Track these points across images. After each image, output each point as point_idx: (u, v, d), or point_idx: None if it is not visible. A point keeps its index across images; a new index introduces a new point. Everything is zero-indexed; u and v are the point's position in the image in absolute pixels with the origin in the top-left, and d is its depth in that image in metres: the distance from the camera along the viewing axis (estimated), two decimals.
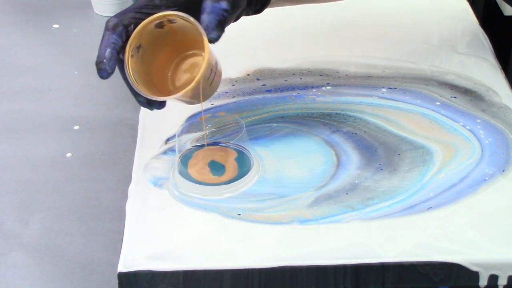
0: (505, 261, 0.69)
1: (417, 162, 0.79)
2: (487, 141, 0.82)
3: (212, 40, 0.70)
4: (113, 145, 1.01)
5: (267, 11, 1.03)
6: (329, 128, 0.84)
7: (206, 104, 0.88)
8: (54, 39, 1.24)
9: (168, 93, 0.73)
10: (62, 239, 0.88)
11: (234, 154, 0.79)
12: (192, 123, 0.85)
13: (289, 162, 0.80)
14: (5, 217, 0.91)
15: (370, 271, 0.69)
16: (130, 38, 0.72)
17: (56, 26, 1.28)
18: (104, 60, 0.70)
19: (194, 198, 0.75)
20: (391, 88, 0.91)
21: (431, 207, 0.74)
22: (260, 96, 0.90)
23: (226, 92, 0.90)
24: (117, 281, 0.69)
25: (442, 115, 0.86)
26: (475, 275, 0.69)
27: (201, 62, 0.71)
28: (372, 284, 0.70)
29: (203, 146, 0.81)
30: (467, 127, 0.84)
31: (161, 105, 0.75)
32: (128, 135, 1.01)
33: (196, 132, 0.83)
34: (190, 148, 0.80)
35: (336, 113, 0.87)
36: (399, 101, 0.88)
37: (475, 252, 0.69)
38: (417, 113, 0.86)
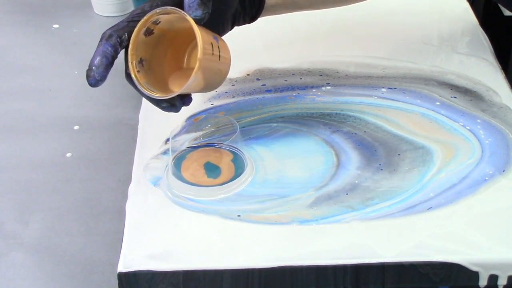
0: (505, 261, 0.69)
1: (417, 162, 0.79)
2: (487, 141, 0.82)
3: (197, 19, 0.70)
4: (113, 145, 1.01)
5: None
6: (329, 128, 0.84)
7: (206, 104, 0.88)
8: (54, 39, 1.24)
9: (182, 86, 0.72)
10: (62, 239, 0.88)
11: (229, 156, 0.79)
12: (186, 124, 0.85)
13: (289, 162, 0.80)
14: (5, 217, 0.91)
15: (370, 271, 0.69)
16: (128, 56, 0.72)
17: (56, 26, 1.28)
18: (93, 67, 0.70)
19: (187, 201, 0.75)
20: (391, 88, 0.91)
21: (431, 207, 0.74)
22: (260, 96, 0.90)
23: (226, 92, 0.90)
24: (117, 281, 0.69)
25: (442, 115, 0.86)
26: (475, 275, 0.69)
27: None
28: (372, 284, 0.70)
29: (197, 147, 0.80)
30: (467, 127, 0.84)
31: (184, 102, 0.75)
32: (128, 135, 1.01)
33: (189, 133, 0.83)
34: (184, 150, 0.80)
35: (336, 113, 0.87)
36: (399, 101, 0.88)
37: (475, 252, 0.69)
38: (417, 113, 0.86)
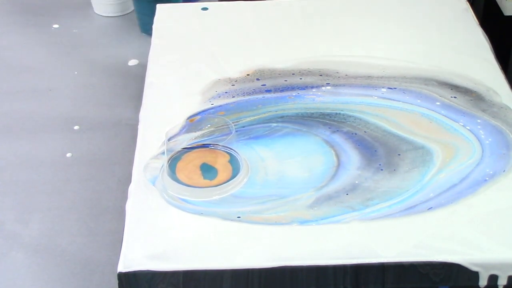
0: (505, 261, 0.69)
1: (417, 162, 0.79)
2: (487, 141, 0.82)
3: None
4: (113, 145, 1.02)
5: (267, 10, 1.04)
6: (329, 128, 0.84)
7: (206, 104, 0.88)
8: (54, 39, 1.24)
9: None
10: (62, 239, 0.88)
11: (225, 157, 0.79)
12: (182, 125, 0.85)
13: (289, 162, 0.80)
14: (5, 217, 0.91)
15: (370, 271, 0.69)
16: None
17: (56, 26, 1.28)
18: None
19: (184, 203, 0.75)
20: (391, 88, 0.91)
21: (431, 208, 0.74)
22: (260, 96, 0.90)
23: (226, 92, 0.90)
24: (117, 281, 0.69)
25: (442, 115, 0.86)
26: (475, 275, 0.69)
27: None
28: (372, 284, 0.70)
29: (192, 148, 0.80)
30: (467, 127, 0.84)
31: None
32: (128, 135, 1.01)
33: (185, 134, 0.83)
34: (180, 151, 0.80)
35: (336, 113, 0.87)
36: (399, 101, 0.88)
37: (475, 252, 0.69)
38: (417, 113, 0.86)
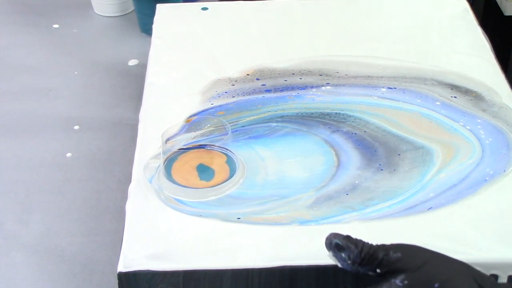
0: (505, 261, 0.69)
1: (417, 162, 0.79)
2: (487, 141, 0.82)
3: None
4: (113, 145, 1.01)
5: (267, 10, 1.04)
6: (329, 128, 0.84)
7: (206, 104, 0.88)
8: (54, 39, 1.24)
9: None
10: (62, 239, 0.88)
11: (221, 157, 0.79)
12: (178, 125, 0.84)
13: (289, 162, 0.80)
14: (5, 217, 0.91)
15: None
16: None
17: (56, 26, 1.28)
18: None
19: (182, 205, 0.75)
20: (391, 88, 0.90)
21: (431, 208, 0.74)
22: (260, 96, 0.90)
23: (226, 92, 0.90)
24: (117, 281, 0.69)
25: (442, 115, 0.86)
26: None
27: None
28: (372, 284, 0.69)
29: (188, 149, 0.80)
30: (467, 127, 0.84)
31: None
32: (128, 135, 1.01)
33: (182, 134, 0.83)
34: (176, 151, 0.80)
35: (336, 113, 0.87)
36: (399, 101, 0.88)
37: (475, 252, 0.69)
38: (417, 113, 0.86)
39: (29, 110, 1.08)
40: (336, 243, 0.63)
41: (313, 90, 0.90)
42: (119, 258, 0.69)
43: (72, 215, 0.91)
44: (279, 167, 0.79)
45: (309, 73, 0.93)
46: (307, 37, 1.00)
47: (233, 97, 0.90)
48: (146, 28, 1.21)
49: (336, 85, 0.91)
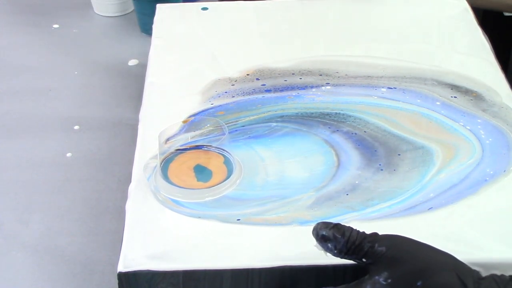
0: (505, 261, 0.69)
1: (417, 162, 0.79)
2: (487, 141, 0.82)
3: None
4: (113, 145, 1.01)
5: (267, 10, 1.04)
6: (329, 128, 0.84)
7: (206, 104, 0.88)
8: (54, 39, 1.24)
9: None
10: (62, 239, 0.88)
11: (219, 158, 0.79)
12: (176, 125, 0.84)
13: (289, 162, 0.80)
14: (5, 217, 0.91)
15: None
16: None
17: (56, 26, 1.28)
18: None
19: (179, 206, 0.75)
20: (391, 88, 0.90)
21: (431, 208, 0.74)
22: (260, 96, 0.90)
23: (226, 92, 0.90)
24: (117, 281, 0.69)
25: (442, 115, 0.86)
26: None
27: None
28: None
29: (185, 150, 0.80)
30: (467, 127, 0.84)
31: None
32: (128, 135, 1.01)
33: (180, 135, 0.83)
34: (172, 152, 0.80)
35: (336, 113, 0.87)
36: (399, 101, 0.88)
37: (475, 252, 0.69)
38: (417, 113, 0.86)
39: (29, 110, 1.08)
40: (322, 235, 0.63)
41: (313, 90, 0.90)
42: (119, 258, 0.69)
43: (72, 215, 0.91)
44: (279, 167, 0.79)
45: (309, 73, 0.93)
46: (307, 37, 1.00)
47: (233, 97, 0.90)
48: (146, 28, 1.21)
49: (336, 85, 0.91)
